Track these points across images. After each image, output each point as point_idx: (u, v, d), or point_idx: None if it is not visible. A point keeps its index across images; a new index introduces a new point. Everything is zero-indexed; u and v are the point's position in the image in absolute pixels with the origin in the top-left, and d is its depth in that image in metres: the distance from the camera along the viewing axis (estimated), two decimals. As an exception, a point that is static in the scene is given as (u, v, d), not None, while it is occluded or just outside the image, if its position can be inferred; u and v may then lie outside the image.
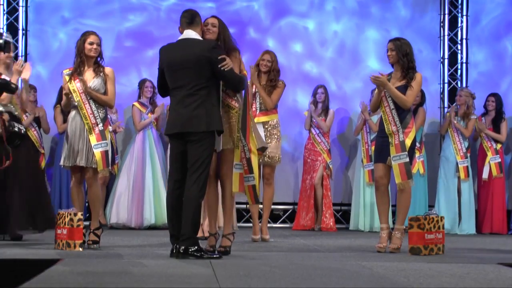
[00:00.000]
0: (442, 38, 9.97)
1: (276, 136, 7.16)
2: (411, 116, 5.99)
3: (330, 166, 9.06)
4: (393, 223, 7.10)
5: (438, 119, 9.84)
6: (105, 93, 6.02)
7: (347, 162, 9.76)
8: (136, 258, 4.94)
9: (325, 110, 9.09)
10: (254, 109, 7.05)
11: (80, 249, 5.54)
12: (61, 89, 6.91)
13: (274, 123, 7.18)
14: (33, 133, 8.30)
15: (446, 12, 9.98)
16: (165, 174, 8.63)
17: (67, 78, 5.99)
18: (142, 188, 8.63)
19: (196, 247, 4.98)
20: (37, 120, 8.55)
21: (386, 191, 5.98)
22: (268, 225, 7.45)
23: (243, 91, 5.56)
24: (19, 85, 6.49)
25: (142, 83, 8.98)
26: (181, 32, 5.34)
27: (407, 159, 5.84)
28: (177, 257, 4.99)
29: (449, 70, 9.98)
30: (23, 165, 6.41)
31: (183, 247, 4.97)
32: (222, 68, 5.14)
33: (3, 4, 9.44)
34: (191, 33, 5.28)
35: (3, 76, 6.37)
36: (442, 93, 9.95)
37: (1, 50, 3.67)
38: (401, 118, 5.90)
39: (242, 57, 5.83)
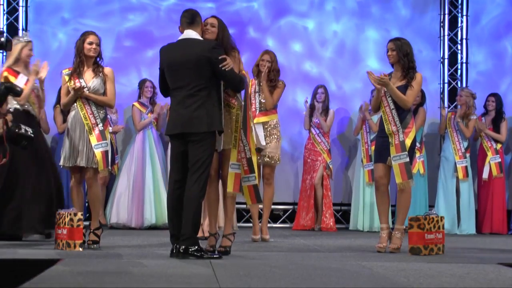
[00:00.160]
0: (442, 38, 9.97)
1: (275, 136, 7.15)
2: (411, 116, 5.99)
3: (330, 166, 9.06)
4: (393, 223, 7.11)
5: (438, 119, 9.83)
6: (104, 93, 6.02)
7: (347, 162, 9.76)
8: (136, 258, 4.93)
9: (325, 110, 9.09)
10: (254, 109, 7.04)
11: (80, 249, 5.54)
12: (61, 89, 6.91)
13: (274, 123, 7.17)
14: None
15: (446, 12, 9.98)
16: (165, 174, 8.63)
17: (66, 78, 5.99)
18: (142, 188, 8.63)
19: (196, 247, 4.98)
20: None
21: (386, 191, 5.98)
22: (268, 225, 7.45)
23: (243, 91, 5.56)
24: (36, 85, 6.54)
25: (142, 83, 8.98)
26: (181, 32, 5.34)
27: (407, 159, 5.84)
28: (177, 257, 4.99)
29: (449, 70, 9.97)
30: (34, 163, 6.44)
31: (183, 247, 4.97)
32: (223, 68, 5.14)
33: (3, 4, 9.44)
34: (191, 33, 5.28)
35: (21, 75, 6.43)
36: (442, 93, 9.95)
37: (3, 48, 3.69)
38: (401, 118, 5.90)
39: (242, 57, 5.83)
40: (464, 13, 10.02)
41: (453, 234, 8.71)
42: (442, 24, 9.98)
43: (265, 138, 7.04)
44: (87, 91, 5.92)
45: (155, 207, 8.61)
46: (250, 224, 7.82)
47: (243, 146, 5.54)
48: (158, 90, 7.38)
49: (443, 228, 5.72)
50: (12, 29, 9.34)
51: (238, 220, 9.13)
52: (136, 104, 8.90)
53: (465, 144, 9.00)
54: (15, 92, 3.60)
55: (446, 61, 9.98)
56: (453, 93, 9.88)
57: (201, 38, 5.32)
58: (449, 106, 9.69)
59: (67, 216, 5.57)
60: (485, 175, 9.07)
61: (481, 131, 9.11)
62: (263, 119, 7.11)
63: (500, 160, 9.10)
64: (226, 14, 9.06)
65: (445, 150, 9.15)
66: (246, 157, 5.55)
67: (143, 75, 9.26)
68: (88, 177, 5.94)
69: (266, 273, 4.15)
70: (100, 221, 6.25)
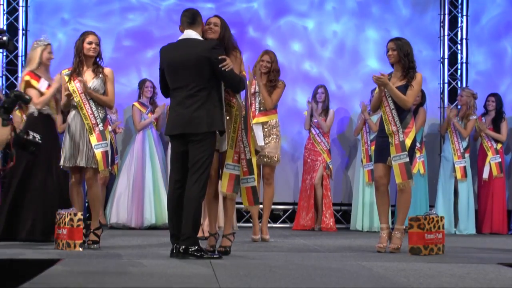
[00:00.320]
0: (442, 38, 9.97)
1: (275, 136, 7.15)
2: (411, 116, 5.99)
3: (330, 166, 9.06)
4: (393, 223, 7.12)
5: (438, 119, 9.84)
6: (104, 93, 6.02)
7: (347, 162, 9.76)
8: (136, 258, 4.93)
9: (325, 110, 9.09)
10: (253, 109, 7.04)
11: (80, 249, 5.54)
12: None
13: (274, 123, 7.17)
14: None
15: (446, 12, 9.98)
16: (165, 174, 8.63)
17: (66, 78, 6.00)
18: (142, 188, 8.63)
19: (196, 247, 4.98)
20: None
21: (386, 191, 5.98)
22: (268, 225, 7.45)
23: (243, 92, 5.56)
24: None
25: (142, 83, 8.98)
26: (182, 31, 5.33)
27: (407, 159, 5.84)
28: (177, 257, 4.99)
29: (449, 70, 9.97)
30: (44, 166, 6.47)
31: (183, 247, 4.97)
32: (223, 69, 5.14)
33: (3, 4, 9.44)
34: (191, 33, 5.27)
35: (42, 79, 6.46)
36: (442, 93, 9.95)
37: (5, 47, 3.71)
38: (401, 118, 5.90)
39: (242, 57, 5.81)
40: (464, 13, 10.02)
41: (451, 234, 8.70)
42: (442, 24, 9.98)
43: (264, 138, 7.03)
44: (89, 88, 5.91)
45: (155, 207, 8.61)
46: (250, 224, 7.82)
47: (243, 147, 5.52)
48: (158, 90, 7.40)
49: (443, 228, 5.72)
50: (12, 29, 9.35)
51: (238, 220, 9.14)
52: (136, 104, 8.91)
53: (464, 144, 9.00)
54: (24, 100, 3.66)
55: (446, 61, 9.98)
56: (453, 93, 9.89)
57: (201, 38, 5.31)
58: (449, 106, 9.68)
59: (67, 216, 5.57)
60: (485, 175, 9.07)
61: (482, 131, 9.11)
62: (263, 119, 7.10)
63: (500, 160, 9.10)
64: (226, 14, 8.94)
65: (445, 150, 9.16)
66: (246, 158, 5.53)
67: (143, 75, 9.26)
68: (88, 177, 5.94)
69: (266, 273, 4.15)
70: (100, 221, 6.25)
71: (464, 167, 8.94)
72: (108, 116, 6.42)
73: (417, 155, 8.57)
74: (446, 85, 9.95)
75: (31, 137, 3.52)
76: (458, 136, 8.98)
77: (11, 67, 9.47)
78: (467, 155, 8.99)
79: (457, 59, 10.02)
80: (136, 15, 9.67)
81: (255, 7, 9.84)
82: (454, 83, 9.97)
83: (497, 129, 9.16)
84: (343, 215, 9.70)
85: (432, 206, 8.92)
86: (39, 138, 3.70)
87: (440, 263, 4.92)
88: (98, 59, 6.06)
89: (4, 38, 3.60)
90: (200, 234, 6.26)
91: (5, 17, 9.45)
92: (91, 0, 9.60)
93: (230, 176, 5.49)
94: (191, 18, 5.30)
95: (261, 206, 7.20)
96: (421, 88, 6.25)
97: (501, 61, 10.08)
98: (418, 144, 8.11)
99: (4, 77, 9.46)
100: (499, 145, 9.14)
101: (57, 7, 9.55)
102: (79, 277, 3.90)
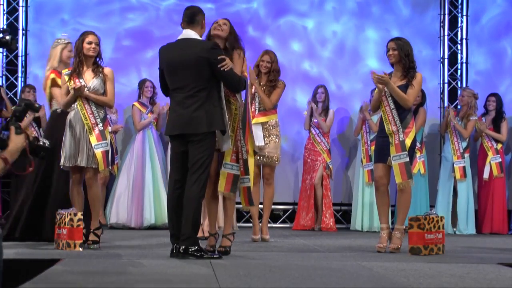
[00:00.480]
0: (442, 38, 9.97)
1: (275, 136, 7.14)
2: (411, 116, 5.99)
3: (330, 166, 9.06)
4: (393, 223, 7.11)
5: (438, 119, 9.84)
6: (104, 93, 6.02)
7: (347, 162, 9.75)
8: (136, 258, 4.93)
9: (325, 110, 9.08)
10: (253, 109, 7.04)
11: (80, 249, 5.54)
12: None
13: (273, 123, 7.16)
14: (32, 133, 8.29)
15: (446, 12, 9.98)
16: (165, 174, 8.63)
17: (66, 78, 6.00)
18: (142, 188, 8.63)
19: (196, 247, 4.98)
20: (37, 120, 8.55)
21: (386, 191, 5.98)
22: (268, 225, 7.44)
23: (243, 92, 5.55)
24: None
25: (142, 83, 8.98)
26: (183, 28, 5.32)
27: (407, 159, 5.83)
28: (177, 257, 4.99)
29: (449, 70, 9.97)
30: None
31: (183, 247, 4.97)
32: (221, 69, 5.13)
33: (3, 4, 9.45)
34: (190, 33, 5.27)
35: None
36: (442, 93, 9.95)
37: (8, 46, 3.72)
38: (401, 118, 5.90)
39: (245, 57, 5.80)
40: (464, 13, 10.02)
41: (450, 234, 8.69)
42: (442, 24, 9.98)
43: (264, 138, 7.03)
44: (87, 91, 5.92)
45: (155, 207, 8.61)
46: (250, 224, 7.82)
47: (241, 147, 5.50)
48: (158, 90, 7.40)
49: (443, 228, 5.72)
50: (12, 29, 9.33)
51: (238, 220, 9.14)
52: (136, 104, 8.91)
53: (464, 144, 8.99)
54: (34, 108, 3.70)
55: (446, 61, 9.98)
56: (453, 93, 9.89)
57: (200, 38, 5.30)
58: (448, 106, 9.68)
59: (67, 216, 5.57)
60: (485, 175, 9.07)
61: (482, 131, 9.10)
62: (262, 119, 7.09)
63: (500, 160, 9.10)
64: (226, 14, 9.02)
65: (445, 151, 9.17)
66: (243, 158, 5.51)
67: (143, 75, 9.26)
68: (88, 177, 5.93)
69: (266, 273, 4.15)
70: (100, 221, 6.24)
71: (464, 167, 8.94)
72: (108, 116, 6.41)
73: (417, 155, 8.57)
74: (446, 85, 9.95)
75: (41, 143, 3.58)
76: (458, 136, 8.98)
77: (11, 67, 9.48)
78: (466, 155, 8.99)
79: (457, 59, 10.02)
80: (136, 15, 9.67)
81: (254, 7, 9.84)
82: (454, 83, 9.97)
83: (497, 129, 9.16)
84: (343, 215, 9.70)
85: (432, 206, 8.92)
86: (48, 144, 3.77)
87: (440, 263, 4.92)
88: (98, 59, 6.06)
89: (7, 37, 3.61)
90: (200, 234, 6.26)
91: (5, 17, 9.46)
92: (91, 0, 9.59)
93: (228, 176, 5.49)
94: (190, 17, 5.29)
95: (261, 206, 7.21)
96: (421, 87, 6.25)
97: (501, 61, 10.08)
98: (418, 144, 8.10)
99: (4, 77, 9.46)
100: (500, 145, 9.14)
101: (57, 7, 9.54)
102: (79, 277, 3.90)
